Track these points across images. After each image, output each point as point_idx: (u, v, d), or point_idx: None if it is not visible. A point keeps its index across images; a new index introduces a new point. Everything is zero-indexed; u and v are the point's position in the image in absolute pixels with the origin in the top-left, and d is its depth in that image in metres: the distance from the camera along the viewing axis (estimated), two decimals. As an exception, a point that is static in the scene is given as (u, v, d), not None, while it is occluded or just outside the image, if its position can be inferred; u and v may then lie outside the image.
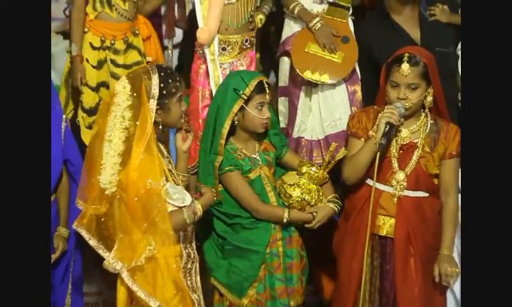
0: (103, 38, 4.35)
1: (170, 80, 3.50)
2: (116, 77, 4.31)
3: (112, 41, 4.36)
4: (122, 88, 3.43)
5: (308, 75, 4.27)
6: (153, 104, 3.43)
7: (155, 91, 3.45)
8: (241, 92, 3.83)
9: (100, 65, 4.37)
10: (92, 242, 3.42)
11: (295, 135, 4.43)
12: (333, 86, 4.34)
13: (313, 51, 4.30)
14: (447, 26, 4.47)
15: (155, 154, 3.38)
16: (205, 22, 4.25)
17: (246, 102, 3.85)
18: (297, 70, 4.29)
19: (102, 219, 3.40)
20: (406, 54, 3.78)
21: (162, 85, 3.48)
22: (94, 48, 4.36)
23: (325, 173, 3.98)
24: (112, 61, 4.37)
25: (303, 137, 4.43)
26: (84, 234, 3.43)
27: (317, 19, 4.32)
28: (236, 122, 3.87)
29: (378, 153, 3.70)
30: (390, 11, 4.49)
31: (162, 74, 3.50)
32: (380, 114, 3.79)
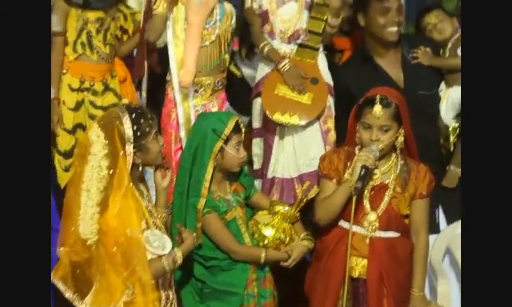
0: (82, 79, 4.38)
1: (142, 120, 3.48)
2: (93, 118, 4.34)
3: (92, 83, 4.40)
4: (96, 137, 3.40)
5: (277, 117, 4.32)
6: (129, 148, 3.42)
7: (129, 134, 3.43)
8: (221, 132, 3.87)
9: (77, 107, 4.39)
10: (68, 294, 3.39)
11: (270, 175, 4.46)
12: (307, 124, 4.38)
13: (282, 93, 4.34)
14: (429, 69, 4.53)
15: (134, 199, 3.40)
16: (178, 65, 4.29)
17: (225, 142, 3.89)
18: (267, 112, 4.33)
19: (77, 271, 3.38)
20: (378, 96, 3.83)
21: (135, 127, 3.46)
22: (72, 89, 4.38)
23: (297, 211, 4.03)
24: (91, 103, 4.40)
25: (277, 177, 4.46)
26: (61, 286, 3.39)
27: (286, 61, 4.36)
28: (215, 163, 3.91)
29: (354, 196, 3.74)
30: (373, 54, 4.55)
31: (134, 115, 3.47)
32: (355, 157, 3.84)
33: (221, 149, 3.89)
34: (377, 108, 3.80)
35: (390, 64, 4.51)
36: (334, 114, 4.46)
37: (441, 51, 4.58)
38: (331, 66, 4.61)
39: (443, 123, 4.50)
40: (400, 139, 3.88)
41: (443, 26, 4.54)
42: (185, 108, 4.32)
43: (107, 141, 3.39)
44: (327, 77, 4.47)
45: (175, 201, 3.94)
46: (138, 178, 3.59)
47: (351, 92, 4.40)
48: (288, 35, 4.44)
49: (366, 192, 3.87)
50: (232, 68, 4.73)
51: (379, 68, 4.50)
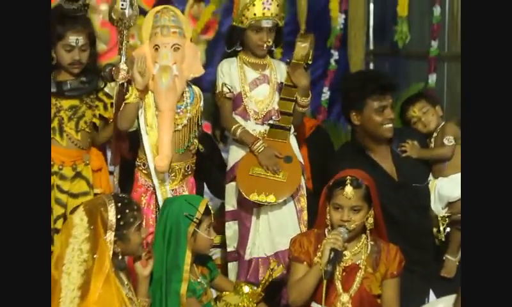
0: (52, 163, 4.35)
1: (127, 210, 3.54)
2: (59, 202, 4.32)
3: (60, 167, 4.37)
4: (80, 220, 3.44)
5: (254, 197, 4.33)
6: (110, 236, 3.45)
7: (112, 222, 3.47)
8: (193, 216, 3.88)
9: None
10: None
11: (247, 257, 4.45)
12: (283, 203, 4.41)
13: (257, 173, 4.38)
14: (418, 161, 4.57)
15: (115, 286, 3.38)
16: (152, 151, 4.30)
17: (197, 225, 3.91)
18: (243, 193, 4.34)
19: None
20: (349, 177, 3.87)
21: (119, 216, 3.51)
22: None
23: (262, 290, 4.06)
24: (58, 187, 4.36)
25: (255, 258, 4.45)
26: None
27: (260, 142, 4.40)
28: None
29: (325, 280, 3.75)
30: (365, 149, 4.59)
31: (119, 204, 3.53)
32: (324, 240, 3.86)
33: (194, 233, 3.90)
34: (349, 189, 3.84)
35: (382, 158, 4.56)
36: (305, 194, 4.50)
37: (428, 141, 4.63)
38: (325, 155, 4.69)
39: (434, 213, 4.54)
40: (370, 220, 3.92)
41: (428, 119, 4.60)
42: (163, 193, 4.32)
43: (90, 226, 3.42)
44: (298, 156, 4.52)
45: (152, 289, 3.91)
46: (119, 266, 3.58)
47: None
48: (262, 116, 4.49)
49: (338, 273, 3.88)
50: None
51: (374, 162, 4.53)
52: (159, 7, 4.43)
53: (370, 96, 4.48)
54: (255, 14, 4.42)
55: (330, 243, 3.79)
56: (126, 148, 4.45)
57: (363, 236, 3.95)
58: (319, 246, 3.92)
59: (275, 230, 4.40)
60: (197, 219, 3.89)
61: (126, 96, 4.24)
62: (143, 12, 7.00)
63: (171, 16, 4.34)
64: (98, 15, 6.41)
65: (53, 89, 4.32)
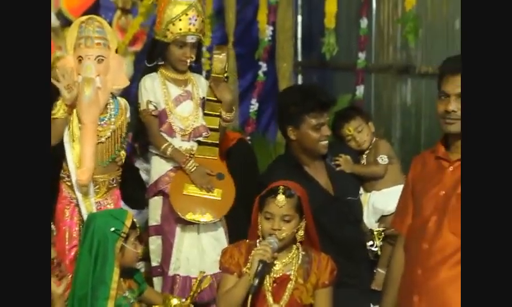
0: None
1: None
2: None
3: None
4: None
5: (190, 216, 4.33)
6: None
7: None
8: (121, 231, 3.84)
9: None
10: None
11: (171, 272, 4.42)
12: (214, 224, 4.43)
13: (191, 192, 4.36)
14: (351, 176, 4.60)
15: None
16: (75, 164, 4.24)
17: (125, 240, 3.87)
18: (179, 213, 4.33)
19: None
20: (281, 186, 3.86)
21: None
22: None
23: (191, 302, 4.06)
24: None
25: (178, 274, 4.43)
26: None
27: (191, 162, 4.39)
28: None
29: (250, 294, 3.73)
30: (300, 162, 4.57)
31: None
32: (253, 251, 3.85)
33: (122, 247, 3.87)
34: (280, 197, 3.83)
35: (317, 173, 4.55)
36: None
37: (359, 157, 4.68)
38: (246, 166, 4.73)
39: (367, 227, 4.56)
40: (301, 232, 3.91)
41: (363, 138, 4.63)
42: (87, 206, 4.26)
43: None
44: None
45: (75, 304, 3.85)
46: None
47: None
48: (188, 132, 4.46)
49: (268, 284, 3.86)
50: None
51: (309, 176, 4.53)
52: (83, 18, 4.40)
53: (308, 113, 4.46)
54: (180, 29, 4.41)
55: (259, 254, 3.77)
56: None
57: (294, 247, 3.94)
58: (249, 257, 3.90)
59: (207, 251, 4.42)
60: (124, 233, 3.86)
61: (53, 111, 4.18)
62: (69, 23, 6.98)
63: (95, 27, 4.29)
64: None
65: None
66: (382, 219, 4.50)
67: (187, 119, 4.48)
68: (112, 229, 3.85)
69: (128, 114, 4.47)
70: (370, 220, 4.54)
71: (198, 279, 4.15)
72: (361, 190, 4.64)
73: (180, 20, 4.41)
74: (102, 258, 3.84)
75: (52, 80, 4.16)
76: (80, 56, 4.26)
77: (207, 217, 4.35)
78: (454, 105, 3.37)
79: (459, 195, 3.34)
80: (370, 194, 4.57)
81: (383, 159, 4.51)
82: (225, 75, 4.52)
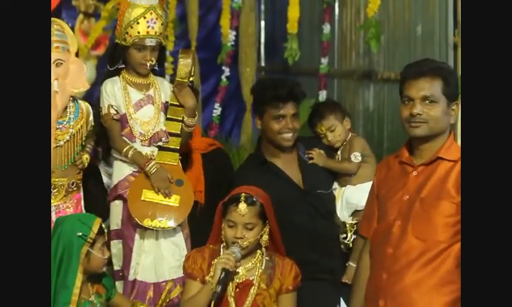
0: None
1: None
2: None
3: None
4: None
5: (148, 222, 4.29)
6: None
7: None
8: (87, 236, 3.81)
9: None
10: None
11: (131, 277, 4.39)
12: (173, 230, 4.39)
13: (149, 198, 4.33)
14: (323, 169, 4.58)
15: None
16: None
17: (91, 245, 3.83)
18: (137, 220, 4.30)
19: None
20: (243, 194, 3.85)
21: None
22: None
23: None
24: None
25: (137, 279, 4.40)
26: None
27: (153, 163, 4.35)
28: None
29: (213, 299, 3.73)
30: (268, 156, 4.57)
31: None
32: (216, 259, 3.84)
33: (88, 253, 3.83)
34: (242, 206, 3.83)
35: (287, 165, 4.55)
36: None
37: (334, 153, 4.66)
38: (228, 171, 4.75)
39: (340, 220, 4.56)
40: (265, 236, 3.90)
41: (335, 138, 4.60)
42: None
43: None
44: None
45: None
46: None
47: None
48: (149, 137, 4.44)
49: (231, 289, 3.86)
50: None
51: (278, 169, 4.53)
52: None
53: (268, 103, 4.49)
54: (138, 32, 4.38)
55: (221, 263, 3.77)
56: None
57: (259, 252, 3.94)
58: (212, 262, 3.89)
59: (165, 258, 4.39)
60: (91, 238, 3.82)
61: None
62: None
63: (54, 30, 4.25)
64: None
65: None
66: (355, 213, 4.49)
67: (147, 123, 4.44)
68: (79, 234, 3.81)
69: (91, 118, 4.43)
70: (343, 213, 4.53)
71: (167, 288, 4.13)
72: (336, 185, 4.63)
73: (138, 23, 4.37)
74: (66, 263, 3.80)
75: None
76: None
77: (163, 224, 4.32)
78: (419, 108, 3.40)
79: (423, 199, 3.38)
80: (345, 188, 4.56)
81: (356, 157, 4.51)
82: (191, 79, 4.50)
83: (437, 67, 3.48)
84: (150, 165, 4.34)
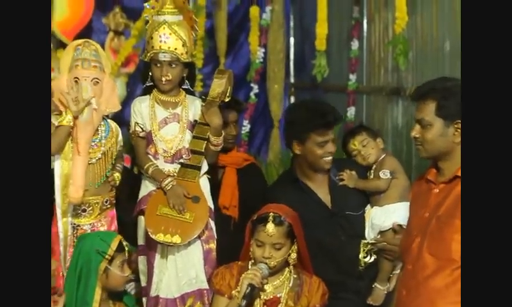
0: None
1: None
2: None
3: None
4: None
5: (160, 237, 4.28)
6: None
7: None
8: (105, 253, 3.85)
9: None
10: None
11: (153, 293, 4.40)
12: (188, 244, 4.37)
13: (164, 213, 4.33)
14: (355, 191, 4.56)
15: None
16: (62, 181, 4.24)
17: (109, 262, 3.87)
18: (150, 233, 4.31)
19: None
20: (271, 214, 3.87)
21: None
22: None
23: None
24: None
25: (159, 296, 4.40)
26: None
27: (169, 179, 4.36)
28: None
29: None
30: (300, 176, 4.58)
31: None
32: (244, 274, 3.86)
33: (106, 270, 3.87)
34: (270, 226, 3.84)
35: (318, 186, 4.56)
36: (216, 236, 4.48)
37: (368, 173, 4.63)
38: (261, 187, 4.75)
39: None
40: (293, 255, 3.92)
41: (367, 152, 4.58)
42: (63, 223, 4.27)
43: None
44: (208, 199, 4.49)
45: None
46: None
47: None
48: (171, 155, 4.46)
49: (258, 306, 3.89)
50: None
51: (308, 189, 4.54)
52: (80, 41, 4.43)
53: (314, 130, 4.47)
54: (153, 47, 4.42)
55: (248, 278, 3.79)
56: None
57: (286, 269, 3.96)
58: (241, 279, 3.91)
59: (181, 272, 4.37)
60: (109, 255, 3.86)
61: (59, 119, 4.19)
62: (62, 45, 7.02)
63: (92, 50, 4.34)
64: None
65: None
66: (383, 234, 4.47)
67: (171, 141, 4.46)
68: (97, 249, 3.86)
69: (120, 138, 4.48)
70: (370, 235, 4.52)
71: (189, 304, 4.15)
72: (368, 206, 4.60)
73: (152, 38, 4.43)
74: (85, 279, 3.85)
75: (58, 96, 4.24)
76: (76, 77, 4.27)
77: (175, 239, 4.30)
78: (415, 131, 3.44)
79: (439, 217, 3.37)
80: (372, 209, 4.55)
81: (385, 174, 4.48)
82: (224, 99, 4.52)
83: (431, 89, 3.44)
84: (166, 181, 4.35)
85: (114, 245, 3.88)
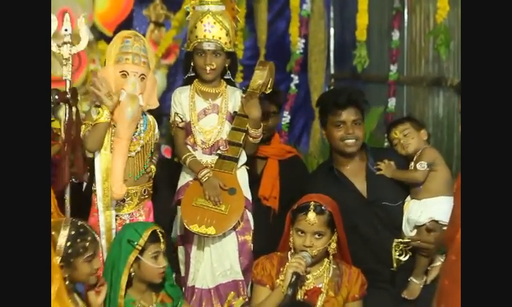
0: None
1: (79, 240, 3.53)
2: None
3: None
4: None
5: (195, 228, 4.27)
6: (56, 260, 3.41)
7: (61, 248, 3.49)
8: (135, 243, 3.84)
9: None
10: None
11: (189, 283, 4.42)
12: (223, 235, 4.37)
13: (199, 204, 4.33)
14: (392, 181, 4.54)
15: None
16: (103, 175, 4.28)
17: (141, 252, 3.86)
18: (185, 224, 4.31)
19: None
20: (312, 203, 3.89)
21: (68, 243, 3.51)
22: None
23: None
24: None
25: (196, 286, 4.42)
26: None
27: (205, 171, 4.36)
28: (132, 273, 3.87)
29: (284, 305, 3.76)
30: (336, 164, 4.58)
31: (73, 232, 3.53)
32: (287, 263, 3.87)
33: (137, 260, 3.86)
34: (311, 215, 3.86)
35: (354, 174, 4.55)
36: (252, 228, 4.46)
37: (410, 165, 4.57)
38: (303, 179, 4.73)
39: (403, 234, 4.51)
40: (333, 245, 3.94)
41: (407, 141, 4.53)
42: (106, 216, 4.29)
43: None
44: (246, 191, 4.48)
45: None
46: (74, 289, 3.64)
47: None
48: (209, 146, 4.47)
49: (300, 296, 3.89)
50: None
51: (344, 177, 4.54)
52: (128, 32, 4.41)
53: (330, 111, 4.52)
54: (196, 36, 4.42)
55: (293, 267, 3.80)
56: (84, 171, 4.39)
57: (326, 259, 3.97)
58: (281, 269, 3.93)
59: (216, 263, 4.38)
60: (139, 245, 3.84)
61: (97, 117, 4.20)
62: (103, 37, 7.06)
63: (141, 45, 4.31)
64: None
65: None
66: (418, 230, 4.44)
67: (209, 132, 4.48)
68: (128, 239, 3.86)
69: (156, 130, 4.50)
70: (406, 229, 4.49)
71: (229, 299, 4.18)
72: (408, 198, 4.54)
73: (196, 27, 4.43)
74: (116, 267, 3.86)
75: (92, 89, 4.24)
76: (125, 71, 4.26)
77: (210, 231, 4.28)
78: None
79: None
80: (411, 202, 4.52)
81: (421, 165, 4.43)
82: (264, 91, 4.52)
83: None
84: (203, 173, 4.35)
85: (145, 235, 3.86)
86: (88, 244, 3.56)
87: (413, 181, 4.44)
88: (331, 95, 4.66)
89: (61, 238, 3.50)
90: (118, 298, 3.82)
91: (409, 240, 4.34)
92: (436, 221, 4.28)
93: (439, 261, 4.32)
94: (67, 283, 3.49)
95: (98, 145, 4.26)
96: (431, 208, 4.32)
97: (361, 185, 4.53)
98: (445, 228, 4.10)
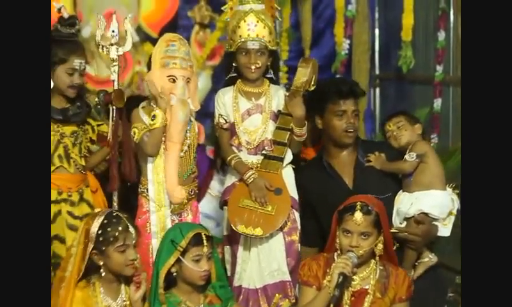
0: (60, 191, 4.39)
1: (109, 228, 3.68)
2: (73, 228, 4.33)
3: (69, 193, 4.42)
4: (80, 230, 3.71)
5: (242, 229, 4.29)
6: (89, 247, 3.64)
7: (93, 235, 3.66)
8: (177, 244, 3.84)
9: (54, 218, 4.37)
10: None
11: (236, 283, 4.43)
12: (270, 236, 4.37)
13: (246, 205, 4.33)
14: (382, 174, 4.53)
15: (87, 293, 3.61)
16: (156, 178, 4.30)
17: (183, 254, 3.86)
18: (232, 224, 4.32)
19: None
20: (359, 203, 3.88)
21: (100, 231, 3.67)
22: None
23: None
24: (70, 213, 4.40)
25: (243, 286, 4.43)
26: None
27: (251, 172, 4.36)
28: (175, 273, 3.88)
29: (331, 304, 3.75)
30: (327, 155, 4.61)
31: (106, 221, 3.69)
32: (334, 264, 3.85)
33: (179, 261, 3.87)
34: (358, 215, 3.85)
35: (343, 165, 4.57)
36: (299, 228, 4.46)
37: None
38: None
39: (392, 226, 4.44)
40: (380, 245, 3.92)
41: (400, 134, 4.53)
42: (159, 216, 4.31)
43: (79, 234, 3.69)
44: (292, 190, 4.47)
45: None
46: (109, 280, 3.77)
47: (305, 193, 4.50)
48: (254, 146, 4.47)
49: (346, 298, 3.88)
50: None
51: (331, 168, 4.56)
52: (171, 36, 4.43)
53: (330, 100, 4.53)
54: (240, 36, 4.43)
55: (339, 267, 3.79)
56: (133, 172, 4.41)
57: (372, 261, 3.95)
58: (327, 270, 3.92)
59: (263, 263, 4.38)
60: (180, 247, 3.84)
61: (153, 121, 4.23)
62: (149, 38, 7.11)
63: (187, 49, 4.36)
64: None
65: (58, 116, 4.39)
66: (408, 222, 4.40)
67: (254, 132, 4.48)
68: (171, 239, 3.87)
69: (196, 130, 4.51)
70: (395, 220, 4.45)
71: (275, 301, 4.18)
72: (401, 192, 4.52)
73: (239, 27, 4.44)
74: (156, 266, 3.88)
75: (148, 90, 4.31)
76: (173, 76, 4.29)
77: (257, 232, 4.29)
78: None
79: None
80: (401, 194, 4.48)
81: (411, 156, 4.41)
82: (308, 88, 4.51)
83: None
84: (248, 174, 4.36)
85: (188, 237, 3.84)
86: (117, 233, 3.68)
87: (401, 171, 4.44)
88: (332, 84, 4.67)
89: (94, 226, 3.68)
90: (159, 294, 3.85)
91: (396, 231, 4.32)
92: (426, 214, 4.31)
93: (427, 257, 4.38)
94: (103, 274, 3.69)
95: (158, 149, 4.29)
96: (421, 201, 4.33)
97: (348, 177, 4.54)
98: (434, 221, 4.27)
